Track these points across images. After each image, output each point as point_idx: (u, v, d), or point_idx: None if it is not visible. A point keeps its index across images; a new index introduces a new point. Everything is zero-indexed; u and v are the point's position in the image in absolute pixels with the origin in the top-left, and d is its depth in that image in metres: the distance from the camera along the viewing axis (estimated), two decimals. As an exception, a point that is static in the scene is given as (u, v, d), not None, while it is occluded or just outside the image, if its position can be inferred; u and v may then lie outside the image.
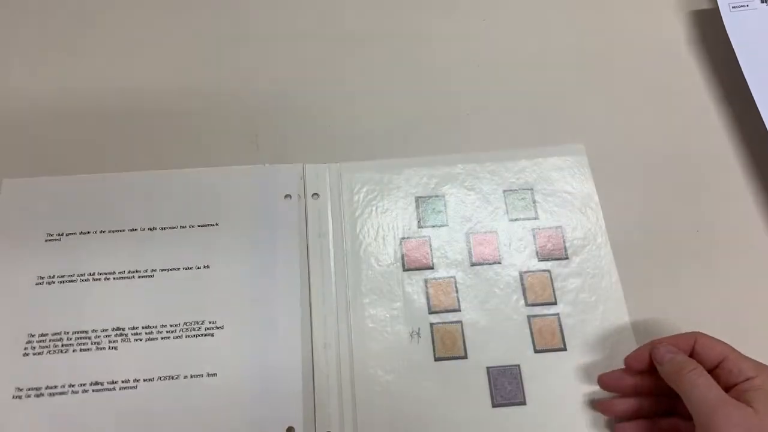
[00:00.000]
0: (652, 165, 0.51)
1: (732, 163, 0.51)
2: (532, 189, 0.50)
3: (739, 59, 0.51)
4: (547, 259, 0.47)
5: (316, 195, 0.49)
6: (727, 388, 0.38)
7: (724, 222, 0.49)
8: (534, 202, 0.49)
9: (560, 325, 0.45)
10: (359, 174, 0.50)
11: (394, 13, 0.59)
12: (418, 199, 0.49)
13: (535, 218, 0.49)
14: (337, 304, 0.45)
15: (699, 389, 0.37)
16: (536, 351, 0.44)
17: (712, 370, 0.39)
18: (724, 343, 0.40)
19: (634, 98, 0.54)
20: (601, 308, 0.45)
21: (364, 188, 0.50)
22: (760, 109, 0.49)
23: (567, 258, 0.47)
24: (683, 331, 0.41)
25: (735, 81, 0.51)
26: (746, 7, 0.53)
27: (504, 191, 0.50)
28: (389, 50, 0.57)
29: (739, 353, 0.39)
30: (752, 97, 0.50)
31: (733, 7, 0.53)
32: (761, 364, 0.38)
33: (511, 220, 0.49)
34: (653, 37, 0.56)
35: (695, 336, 0.40)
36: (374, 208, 0.49)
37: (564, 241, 0.48)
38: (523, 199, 0.49)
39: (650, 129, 0.53)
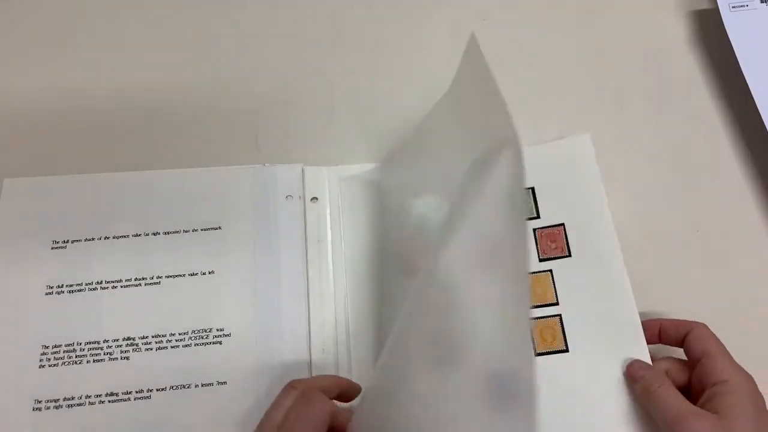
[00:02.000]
0: (651, 165, 0.52)
1: (732, 163, 0.51)
2: (533, 188, 0.49)
3: (739, 59, 0.51)
4: (549, 259, 0.47)
5: (315, 198, 0.49)
6: (702, 388, 0.38)
7: (724, 222, 0.49)
8: (535, 201, 0.49)
9: (562, 326, 0.45)
10: (358, 179, 0.50)
11: (394, 12, 0.59)
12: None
13: (536, 218, 0.48)
14: (336, 311, 0.45)
15: (664, 402, 0.37)
16: (537, 354, 0.44)
17: (694, 365, 0.39)
18: (717, 341, 0.39)
19: (634, 98, 0.54)
20: (607, 306, 0.44)
21: (363, 193, 0.49)
22: (760, 109, 0.49)
23: (569, 256, 0.46)
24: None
25: (735, 81, 0.52)
26: (746, 7, 0.53)
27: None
28: (389, 50, 0.57)
29: (724, 354, 0.39)
30: (752, 97, 0.50)
31: (733, 7, 0.53)
32: (740, 368, 0.38)
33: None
34: (653, 37, 0.56)
35: (694, 326, 0.40)
36: (374, 214, 0.48)
37: (566, 238, 0.47)
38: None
39: (650, 129, 0.53)
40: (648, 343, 0.43)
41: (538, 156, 0.50)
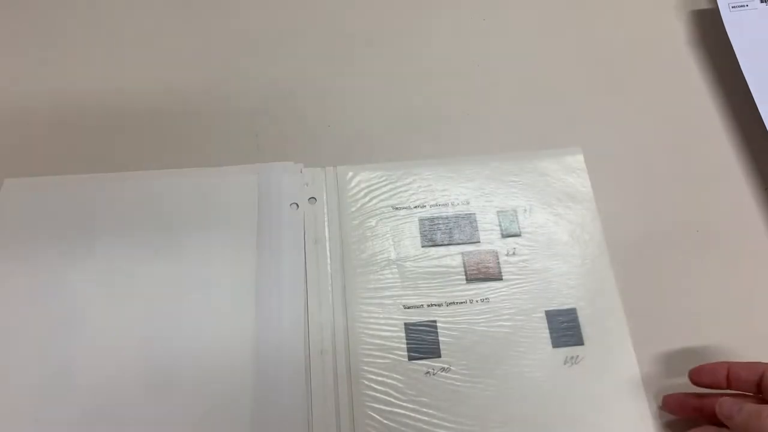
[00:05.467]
0: (651, 165, 0.52)
1: (732, 163, 0.51)
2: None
3: (739, 59, 0.51)
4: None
5: (313, 199, 0.49)
6: None
7: (724, 222, 0.49)
8: (516, 218, 0.49)
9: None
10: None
11: (394, 12, 0.59)
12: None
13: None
14: (334, 314, 0.45)
15: None
16: None
17: None
18: None
19: (634, 98, 0.54)
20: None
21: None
22: (760, 109, 0.49)
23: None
24: (685, 333, 0.42)
25: (735, 81, 0.52)
26: (746, 7, 0.53)
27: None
28: (389, 50, 0.57)
29: None
30: (752, 97, 0.50)
31: (733, 7, 0.53)
32: None
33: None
34: (653, 37, 0.56)
35: (765, 367, 0.38)
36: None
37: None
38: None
39: (650, 129, 0.53)
40: (714, 387, 0.40)
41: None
